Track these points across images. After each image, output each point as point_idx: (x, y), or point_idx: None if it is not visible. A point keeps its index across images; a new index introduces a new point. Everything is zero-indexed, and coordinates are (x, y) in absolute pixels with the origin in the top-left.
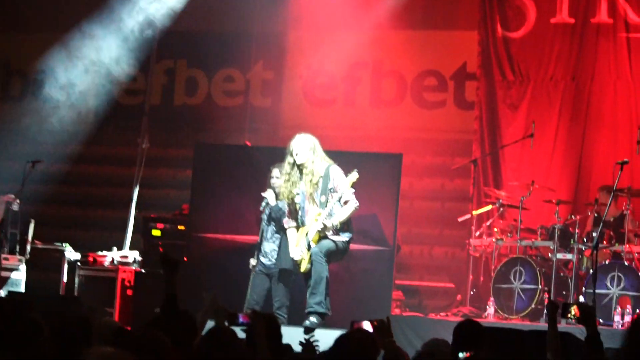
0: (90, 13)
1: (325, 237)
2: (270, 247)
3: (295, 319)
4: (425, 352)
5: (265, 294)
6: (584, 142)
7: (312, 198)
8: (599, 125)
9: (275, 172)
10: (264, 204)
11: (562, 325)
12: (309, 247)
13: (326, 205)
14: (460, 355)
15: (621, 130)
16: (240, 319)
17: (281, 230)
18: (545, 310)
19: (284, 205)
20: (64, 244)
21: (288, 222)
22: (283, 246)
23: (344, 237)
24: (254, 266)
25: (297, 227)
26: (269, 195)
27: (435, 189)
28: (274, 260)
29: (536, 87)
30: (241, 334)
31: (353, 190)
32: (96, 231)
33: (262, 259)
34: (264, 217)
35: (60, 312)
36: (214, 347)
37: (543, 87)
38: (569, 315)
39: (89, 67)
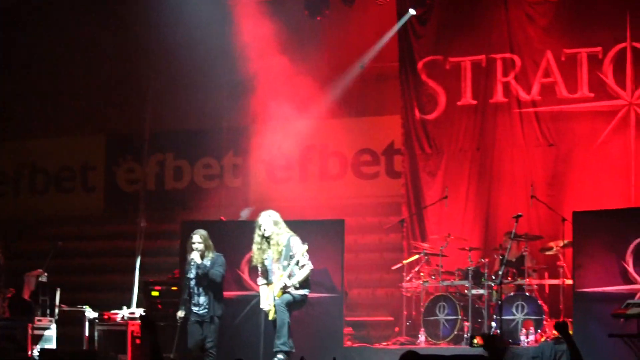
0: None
1: (287, 292)
2: (203, 299)
3: (268, 357)
4: None
5: (200, 338)
6: (490, 199)
7: (277, 262)
8: (501, 185)
9: (195, 237)
10: (192, 263)
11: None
12: (275, 300)
13: (287, 268)
14: None
15: (518, 187)
16: None
17: (208, 285)
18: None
19: (207, 262)
20: (84, 306)
21: (260, 280)
22: (211, 298)
23: (303, 292)
24: (180, 317)
25: (267, 284)
26: (195, 256)
27: (375, 243)
28: (208, 309)
29: (449, 157)
30: None
31: (308, 255)
32: (109, 293)
33: (196, 309)
34: (192, 274)
35: None
36: None
37: (455, 156)
38: (473, 344)
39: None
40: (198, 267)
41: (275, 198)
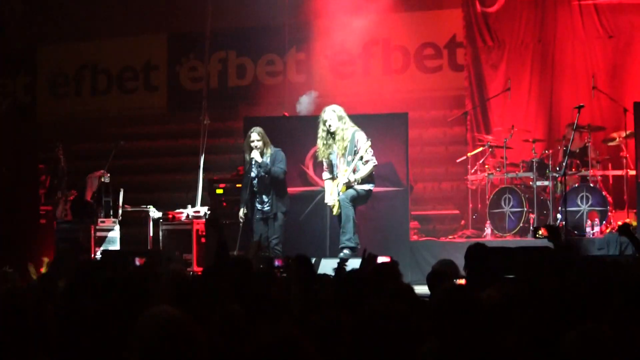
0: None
1: (352, 187)
2: (265, 197)
3: (333, 252)
4: (436, 271)
5: (265, 235)
6: (552, 91)
7: (342, 157)
8: (563, 76)
9: (253, 135)
10: (253, 163)
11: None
12: (339, 195)
13: (351, 164)
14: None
15: (580, 79)
16: (276, 263)
17: (271, 182)
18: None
19: (267, 159)
20: (148, 206)
21: (325, 175)
22: (274, 195)
23: (367, 186)
24: (242, 217)
25: (332, 179)
26: (255, 155)
27: (439, 136)
28: (271, 206)
29: (511, 50)
30: None
31: (372, 151)
32: (173, 193)
33: (260, 207)
34: (253, 174)
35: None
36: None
37: (516, 49)
38: (538, 235)
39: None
40: (259, 166)
41: (339, 93)
